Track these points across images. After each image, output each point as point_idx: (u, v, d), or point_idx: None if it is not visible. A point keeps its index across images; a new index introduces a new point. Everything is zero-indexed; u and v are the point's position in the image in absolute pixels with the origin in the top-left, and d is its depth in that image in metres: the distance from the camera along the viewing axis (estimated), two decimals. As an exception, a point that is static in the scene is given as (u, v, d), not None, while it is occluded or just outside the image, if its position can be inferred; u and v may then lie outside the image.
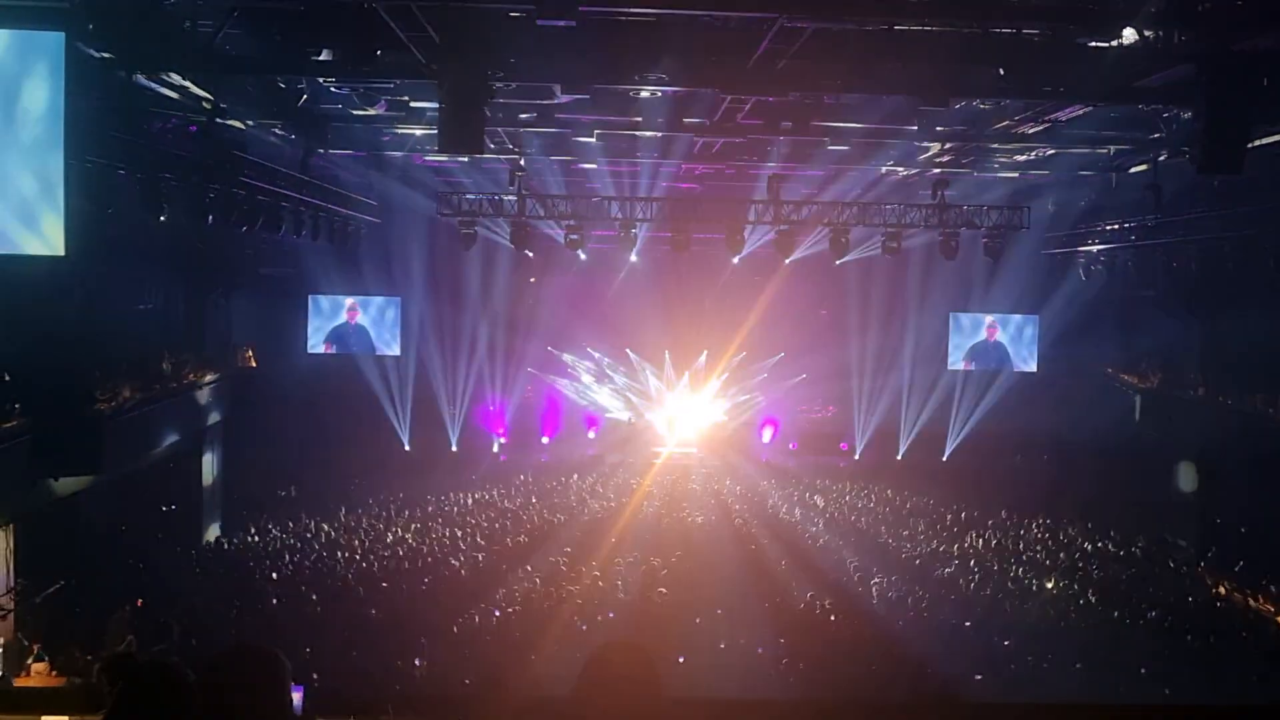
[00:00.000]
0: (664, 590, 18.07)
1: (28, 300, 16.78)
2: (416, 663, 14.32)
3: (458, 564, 19.96)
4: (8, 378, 15.95)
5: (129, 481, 22.11)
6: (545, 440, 33.54)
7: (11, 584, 14.94)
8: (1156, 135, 16.66)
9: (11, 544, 14.96)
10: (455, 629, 16.02)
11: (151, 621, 15.77)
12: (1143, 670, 15.01)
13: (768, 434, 33.66)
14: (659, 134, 18.11)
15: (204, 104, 14.89)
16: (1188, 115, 15.12)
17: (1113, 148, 18.70)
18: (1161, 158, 17.61)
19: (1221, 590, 20.07)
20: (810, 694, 13.54)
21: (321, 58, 13.56)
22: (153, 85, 14.24)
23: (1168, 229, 20.60)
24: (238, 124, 17.01)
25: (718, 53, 13.24)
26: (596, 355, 34.18)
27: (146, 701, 3.10)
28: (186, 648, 14.74)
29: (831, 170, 21.62)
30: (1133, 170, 19.93)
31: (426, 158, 21.85)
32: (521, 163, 20.69)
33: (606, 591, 18.22)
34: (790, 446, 33.60)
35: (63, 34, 9.40)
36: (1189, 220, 20.13)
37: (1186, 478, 23.53)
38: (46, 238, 9.84)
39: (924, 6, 11.75)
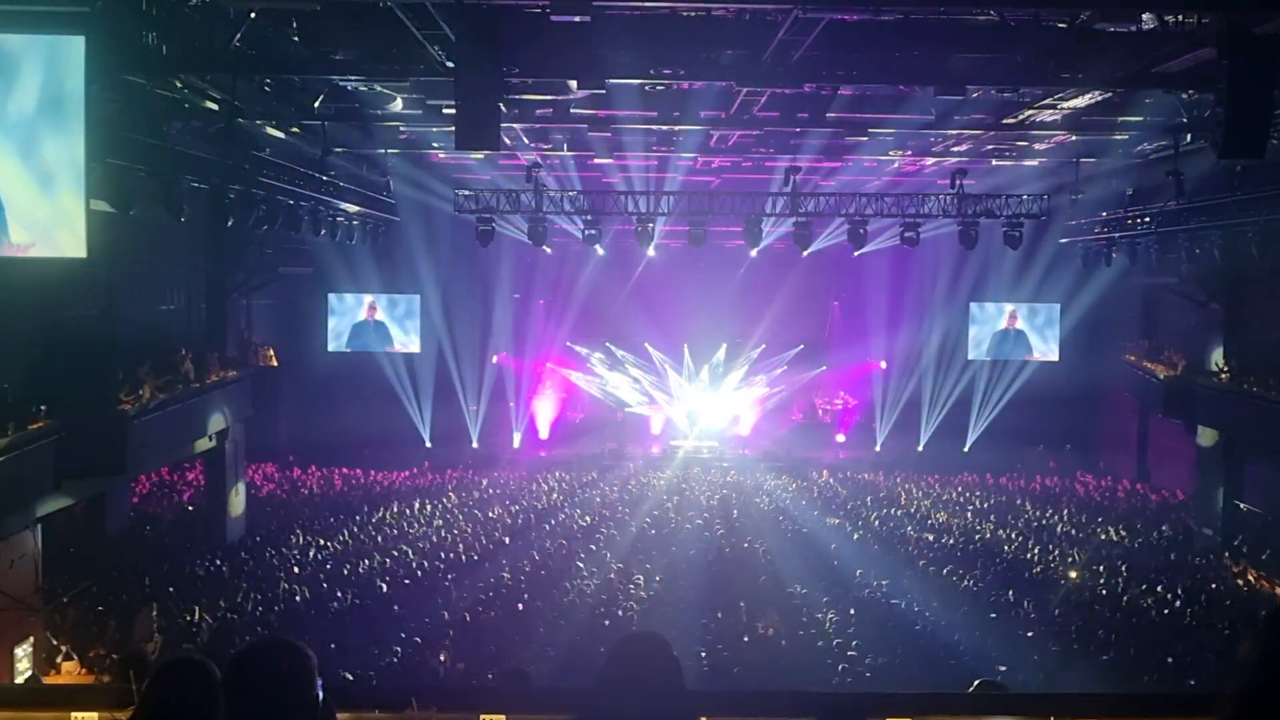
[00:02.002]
0: (687, 585, 18.05)
1: (51, 302, 16.99)
2: (442, 657, 14.39)
3: (480, 558, 20.03)
4: (34, 378, 16.09)
5: (153, 481, 22.40)
6: (565, 434, 33.66)
7: (39, 584, 15.08)
8: (1178, 121, 16.52)
9: (38, 544, 15.09)
10: (478, 623, 16.08)
11: (177, 620, 15.91)
12: (1169, 659, 14.93)
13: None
14: (675, 128, 18.11)
15: (222, 105, 14.98)
16: (1209, 100, 14.98)
17: (1133, 134, 18.57)
18: (1183, 143, 17.47)
19: (1249, 578, 19.93)
20: (833, 685, 13.52)
21: (338, 57, 13.63)
22: (172, 87, 14.34)
23: (1190, 215, 20.44)
24: (256, 124, 17.10)
25: (733, 45, 13.23)
26: (615, 349, 34.23)
27: (175, 698, 3.12)
28: (212, 645, 14.86)
29: (849, 161, 21.56)
30: (1154, 156, 19.78)
31: (443, 155, 21.91)
32: (538, 158, 20.72)
33: (626, 585, 18.24)
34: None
35: (83, 37, 9.46)
36: (1211, 206, 19.97)
37: (1212, 469, 23.39)
38: (69, 240, 9.91)
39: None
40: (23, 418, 14.55)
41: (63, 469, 15.14)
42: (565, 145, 20.42)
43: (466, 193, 22.32)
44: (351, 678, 12.00)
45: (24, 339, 16.63)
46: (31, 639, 14.37)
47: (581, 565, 19.32)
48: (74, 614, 16.24)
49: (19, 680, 13.38)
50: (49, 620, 15.27)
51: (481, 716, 3.99)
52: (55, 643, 14.73)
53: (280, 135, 18.43)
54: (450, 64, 11.86)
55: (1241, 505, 23.19)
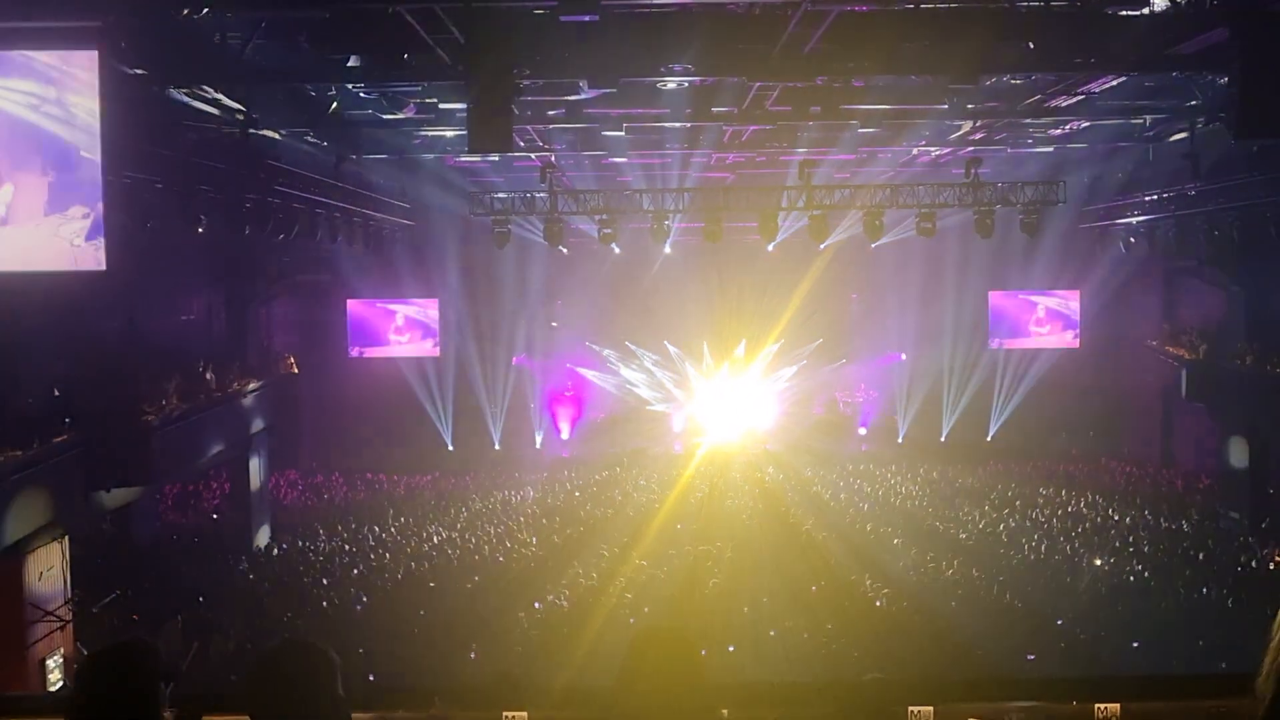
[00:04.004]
0: (715, 581, 18.10)
1: (73, 316, 17.11)
2: (472, 655, 14.45)
3: (504, 560, 20.10)
4: (57, 393, 16.24)
5: (179, 490, 22.55)
6: (587, 434, 33.70)
7: (69, 595, 15.21)
8: (1193, 102, 16.40)
9: (67, 556, 15.22)
10: (503, 623, 16.14)
11: (206, 628, 16.02)
12: (1200, 644, 14.84)
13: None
14: (688, 124, 18.09)
15: (237, 115, 15.07)
16: (1223, 80, 14.87)
17: (1148, 117, 18.44)
18: (1198, 125, 17.34)
19: (1277, 561, 19.78)
20: (857, 676, 13.49)
21: (349, 64, 13.68)
22: (186, 99, 14.45)
23: (1207, 197, 20.28)
24: (270, 133, 17.20)
25: (743, 40, 13.19)
26: (635, 348, 34.24)
27: (105, 686, 3.04)
28: (242, 652, 14.98)
29: (863, 153, 21.50)
30: (1170, 139, 19.64)
31: (457, 159, 21.97)
32: (552, 159, 20.75)
33: (652, 582, 18.27)
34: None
35: (96, 52, 9.54)
36: (1228, 187, 19.82)
37: (1238, 453, 23.19)
38: (88, 254, 9.99)
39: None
40: (48, 431, 14.68)
41: (89, 481, 15.27)
42: (578, 145, 20.43)
43: (481, 195, 22.38)
44: (375, 680, 12.07)
45: (48, 353, 16.77)
46: (63, 650, 14.51)
47: (607, 564, 19.36)
48: (105, 624, 16.37)
49: (51, 690, 13.51)
50: (79, 631, 15.41)
51: (504, 714, 4.01)
52: (86, 653, 14.84)
53: (295, 143, 18.53)
54: (461, 67, 11.90)
55: (1269, 489, 23.01)
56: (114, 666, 3.07)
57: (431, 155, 21.34)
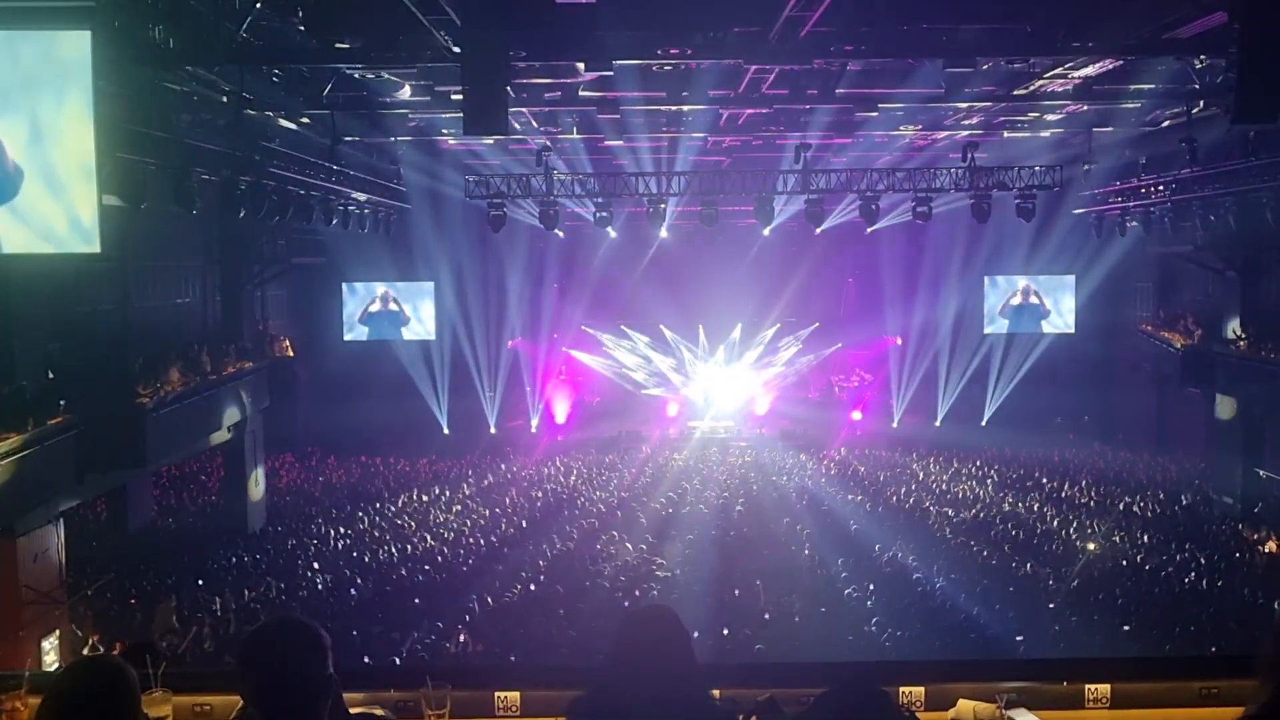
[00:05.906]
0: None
1: (68, 298, 17.09)
2: (463, 638, 14.47)
3: (498, 542, 20.11)
4: (51, 375, 16.21)
5: (173, 473, 22.54)
6: (582, 417, 33.73)
7: (63, 578, 15.22)
8: (1190, 87, 16.37)
9: (61, 539, 15.23)
10: (496, 606, 16.16)
11: (200, 610, 16.04)
12: (1192, 628, 14.90)
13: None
14: (684, 108, 18.04)
15: (231, 96, 15.01)
16: (1221, 65, 14.84)
17: (1145, 102, 18.42)
18: (1195, 110, 17.32)
19: (1270, 546, 19.84)
20: (850, 658, 13.54)
21: (344, 45, 13.63)
22: (180, 80, 14.39)
23: (1204, 182, 20.28)
24: (265, 115, 17.13)
25: (740, 23, 13.16)
26: (630, 331, 34.26)
27: (80, 697, 2.98)
28: (236, 634, 14.98)
29: (860, 137, 21.45)
30: (1166, 124, 19.61)
31: (453, 141, 21.91)
32: (548, 142, 20.69)
33: (645, 565, 18.29)
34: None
35: (89, 32, 9.48)
36: (1225, 173, 19.81)
37: (1225, 407, 23.28)
38: (83, 236, 9.95)
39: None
40: (42, 413, 14.65)
41: (83, 463, 15.26)
42: (574, 128, 20.37)
43: (477, 178, 22.31)
44: (368, 661, 12.08)
45: (41, 335, 16.73)
46: (58, 631, 14.53)
47: (601, 548, 19.39)
48: (99, 606, 16.39)
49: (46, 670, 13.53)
50: (74, 613, 15.43)
51: (496, 693, 4.02)
52: (81, 634, 14.87)
53: (290, 125, 18.46)
54: (456, 49, 11.85)
55: (1261, 473, 23.07)
56: (80, 690, 2.99)
57: (427, 137, 21.28)
